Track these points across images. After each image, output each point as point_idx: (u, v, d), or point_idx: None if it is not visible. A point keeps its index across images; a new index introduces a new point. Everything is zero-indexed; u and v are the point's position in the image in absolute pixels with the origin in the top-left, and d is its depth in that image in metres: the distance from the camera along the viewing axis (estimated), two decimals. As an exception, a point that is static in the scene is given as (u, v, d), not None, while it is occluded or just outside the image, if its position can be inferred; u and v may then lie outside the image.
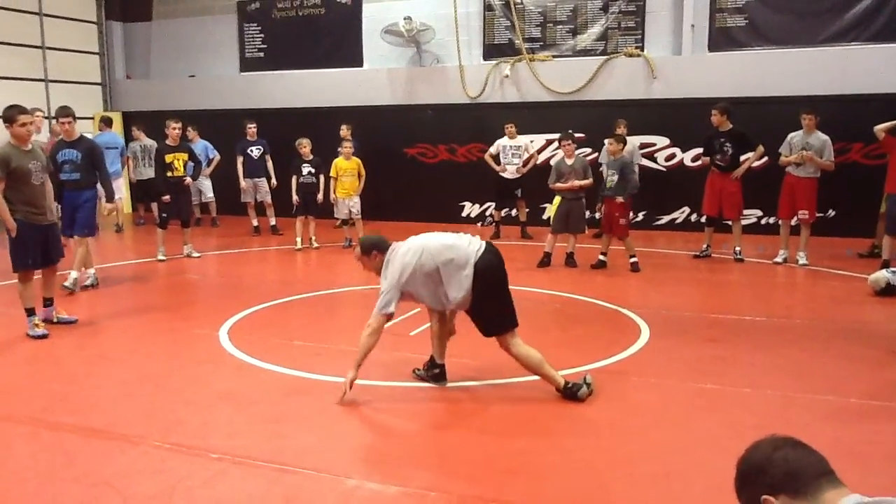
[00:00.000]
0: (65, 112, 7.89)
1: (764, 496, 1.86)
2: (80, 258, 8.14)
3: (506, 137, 11.75)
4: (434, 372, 5.16)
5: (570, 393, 4.79)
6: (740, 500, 1.98)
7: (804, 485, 1.84)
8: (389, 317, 4.85)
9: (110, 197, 8.17)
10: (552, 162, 10.35)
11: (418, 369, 5.27)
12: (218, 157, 13.00)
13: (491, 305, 4.81)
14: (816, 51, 11.57)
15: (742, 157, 9.59)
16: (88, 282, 8.38)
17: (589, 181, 9.35)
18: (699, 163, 10.33)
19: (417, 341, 5.98)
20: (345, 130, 12.51)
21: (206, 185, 13.33)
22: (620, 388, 5.07)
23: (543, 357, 4.84)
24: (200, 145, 13.06)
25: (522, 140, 11.79)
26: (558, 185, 9.35)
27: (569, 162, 9.38)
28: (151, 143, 13.00)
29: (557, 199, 9.52)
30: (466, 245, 4.83)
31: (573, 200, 9.35)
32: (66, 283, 7.94)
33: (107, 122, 12.87)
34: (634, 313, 7.05)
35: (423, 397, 4.99)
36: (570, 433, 4.44)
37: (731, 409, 4.71)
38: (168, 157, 10.05)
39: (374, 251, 4.99)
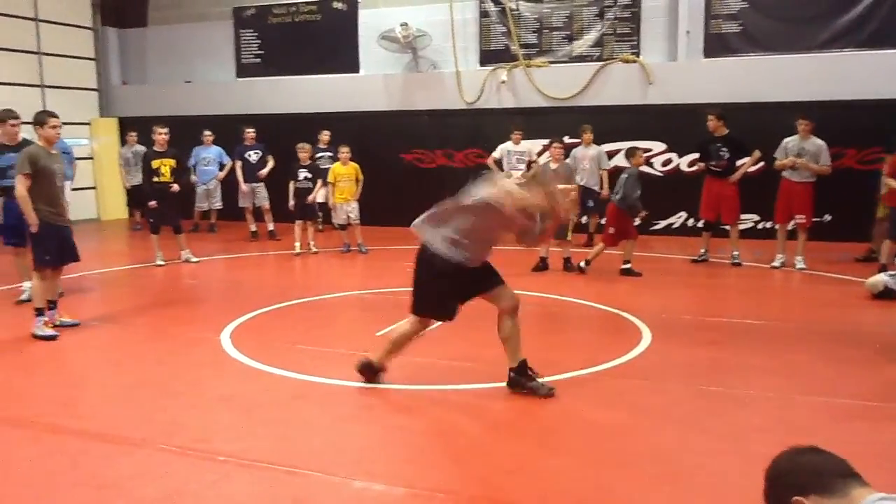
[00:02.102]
0: (11, 114, 7.70)
1: (794, 497, 1.88)
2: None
3: (510, 142, 11.75)
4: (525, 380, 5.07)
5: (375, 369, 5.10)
6: None
7: (833, 484, 1.87)
8: None
9: None
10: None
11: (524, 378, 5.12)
12: (230, 163, 13.01)
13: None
14: (810, 57, 11.66)
15: (738, 162, 9.65)
16: (24, 296, 7.75)
17: (571, 187, 9.31)
18: (695, 168, 10.36)
19: (419, 345, 5.96)
20: (325, 136, 12.52)
21: (217, 193, 13.36)
22: (623, 390, 5.09)
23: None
24: (214, 151, 13.13)
25: (527, 146, 11.76)
26: None
27: (553, 167, 9.36)
28: (142, 149, 13.03)
29: None
30: None
31: None
32: (23, 297, 7.73)
33: None
34: (634, 317, 7.07)
35: (428, 400, 4.99)
36: (575, 435, 4.45)
37: (732, 411, 4.74)
38: (154, 163, 10.04)
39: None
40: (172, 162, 10.16)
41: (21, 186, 6.43)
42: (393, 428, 4.58)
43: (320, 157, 12.14)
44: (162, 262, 9.99)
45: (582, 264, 9.20)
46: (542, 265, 9.39)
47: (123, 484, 3.77)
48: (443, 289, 4.87)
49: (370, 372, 5.13)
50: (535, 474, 3.88)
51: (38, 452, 4.21)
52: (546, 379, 5.14)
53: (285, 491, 3.69)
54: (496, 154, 11.86)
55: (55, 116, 6.72)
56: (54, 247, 6.66)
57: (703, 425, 4.52)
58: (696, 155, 10.32)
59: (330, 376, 5.37)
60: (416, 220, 4.98)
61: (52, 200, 6.61)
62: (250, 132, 12.59)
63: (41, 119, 6.66)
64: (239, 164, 12.54)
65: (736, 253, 9.74)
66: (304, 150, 10.97)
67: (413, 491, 3.68)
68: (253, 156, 12.57)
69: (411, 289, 4.97)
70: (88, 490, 3.72)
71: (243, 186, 12.50)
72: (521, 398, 4.93)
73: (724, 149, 9.59)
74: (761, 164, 9.99)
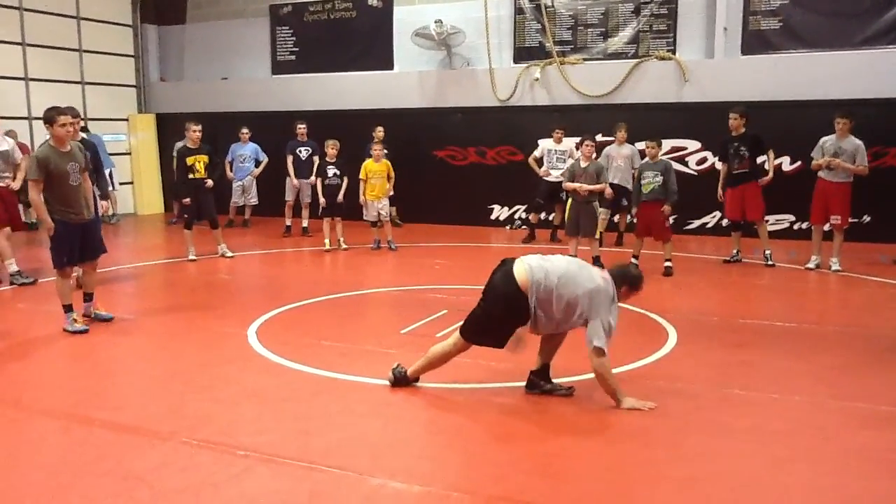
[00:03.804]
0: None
1: None
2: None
3: (551, 141, 11.66)
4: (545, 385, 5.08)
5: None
6: None
7: None
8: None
9: None
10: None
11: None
12: (266, 159, 13.19)
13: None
14: (852, 54, 11.41)
15: (759, 159, 9.58)
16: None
17: (600, 186, 9.26)
18: (721, 169, 10.10)
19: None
20: (380, 133, 12.57)
21: (253, 189, 13.52)
22: (647, 392, 5.03)
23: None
24: (251, 147, 13.31)
25: (568, 144, 11.66)
26: (569, 185, 9.29)
27: (583, 164, 9.26)
28: None
29: (570, 202, 9.45)
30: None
31: (584, 203, 9.23)
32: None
33: None
34: (662, 318, 7.01)
35: (448, 398, 5.00)
36: (595, 437, 4.43)
37: (758, 414, 4.66)
38: (189, 160, 10.16)
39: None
40: (206, 158, 10.27)
41: (33, 192, 6.41)
42: (412, 425, 4.60)
43: None
44: (194, 258, 10.13)
45: (668, 264, 9.17)
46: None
47: (147, 475, 3.84)
48: (512, 327, 4.82)
49: (403, 384, 5.12)
50: (554, 475, 3.87)
51: (67, 443, 4.32)
52: (569, 379, 5.14)
53: (303, 486, 3.73)
54: (537, 153, 11.81)
55: (64, 114, 6.49)
56: (73, 246, 6.64)
57: (727, 428, 4.46)
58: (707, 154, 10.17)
59: (353, 373, 5.41)
60: (536, 264, 4.77)
61: (67, 201, 6.52)
62: (302, 127, 12.67)
63: (49, 117, 6.44)
64: (290, 158, 12.64)
65: (768, 252, 9.57)
66: (332, 147, 11.00)
67: (429, 489, 3.70)
68: (304, 152, 12.66)
69: (478, 318, 4.87)
70: (114, 480, 3.80)
71: (294, 181, 12.60)
72: (543, 398, 4.93)
73: (742, 148, 9.45)
74: (798, 163, 9.82)
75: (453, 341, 4.97)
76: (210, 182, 10.28)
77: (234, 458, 4.03)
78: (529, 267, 4.72)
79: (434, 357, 5.04)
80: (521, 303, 4.67)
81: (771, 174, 9.52)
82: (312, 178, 12.31)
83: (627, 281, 4.90)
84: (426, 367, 5.07)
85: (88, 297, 6.99)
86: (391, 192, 12.59)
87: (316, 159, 12.44)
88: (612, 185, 10.44)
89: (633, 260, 9.21)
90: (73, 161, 6.57)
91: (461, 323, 4.99)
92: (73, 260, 6.75)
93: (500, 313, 4.78)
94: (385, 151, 12.26)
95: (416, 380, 5.13)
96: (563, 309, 4.67)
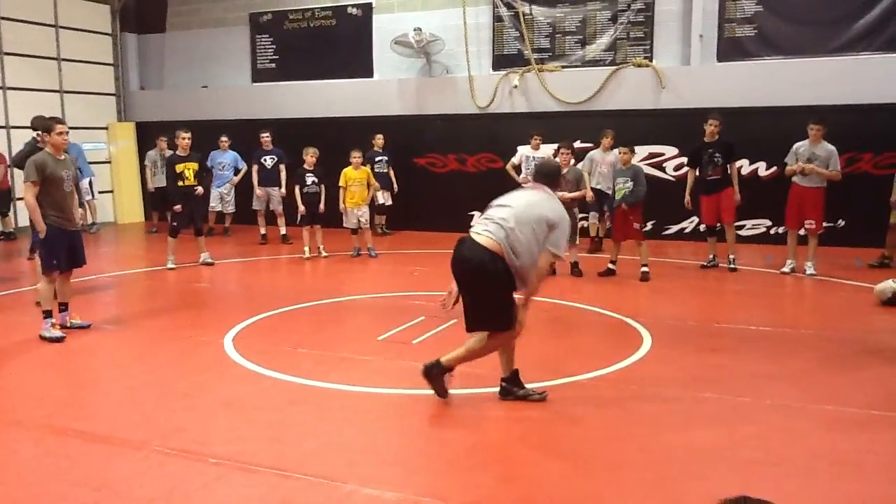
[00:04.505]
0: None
1: None
2: None
3: (529, 147, 11.71)
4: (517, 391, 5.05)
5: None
6: None
7: None
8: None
9: None
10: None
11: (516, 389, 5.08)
12: (245, 167, 13.16)
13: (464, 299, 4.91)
14: (826, 60, 11.55)
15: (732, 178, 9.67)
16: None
17: (580, 193, 9.32)
18: (687, 175, 10.15)
19: (421, 350, 6.02)
20: (379, 140, 12.73)
21: (230, 197, 13.48)
22: (620, 397, 5.09)
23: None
24: (230, 156, 13.27)
25: (545, 151, 11.69)
26: None
27: (562, 171, 9.32)
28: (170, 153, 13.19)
29: None
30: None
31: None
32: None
33: None
34: (637, 322, 7.06)
35: (422, 405, 5.01)
36: (567, 440, 4.46)
37: (729, 418, 4.72)
38: (179, 167, 10.15)
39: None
40: (195, 165, 10.32)
41: (29, 194, 6.54)
42: (387, 432, 4.61)
43: (378, 162, 12.27)
44: (173, 266, 10.08)
45: (644, 269, 9.22)
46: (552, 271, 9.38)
47: (119, 485, 3.84)
48: (506, 294, 4.83)
49: (437, 371, 4.95)
50: (527, 481, 3.90)
51: (39, 453, 4.30)
52: (544, 384, 5.18)
53: (275, 493, 3.74)
54: (515, 160, 11.83)
55: (62, 122, 6.80)
56: (63, 251, 6.75)
57: (697, 432, 4.51)
58: (685, 160, 10.21)
59: (329, 380, 5.43)
60: (493, 227, 4.84)
61: (60, 206, 6.70)
62: (265, 136, 12.68)
63: (47, 125, 6.75)
64: (255, 167, 12.66)
65: (732, 257, 9.71)
66: (311, 155, 10.95)
67: (402, 495, 3.71)
68: (269, 160, 12.65)
69: (472, 305, 4.84)
70: (86, 490, 3.79)
71: (258, 190, 12.61)
72: (517, 404, 4.95)
73: (717, 155, 9.55)
74: (773, 168, 9.92)
75: (478, 336, 4.91)
76: (200, 189, 10.37)
77: (207, 466, 4.04)
78: (487, 231, 4.81)
79: (467, 351, 4.95)
80: (502, 266, 4.70)
81: (737, 190, 9.64)
82: (283, 188, 12.38)
83: (554, 178, 5.30)
84: (462, 358, 4.95)
85: (64, 308, 7.00)
86: (390, 202, 12.72)
87: (283, 167, 12.48)
88: (594, 189, 10.52)
89: (610, 265, 9.32)
90: (66, 169, 6.76)
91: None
92: (63, 266, 6.82)
93: (485, 282, 4.76)
94: (385, 158, 12.55)
95: (452, 369, 4.96)
96: (541, 240, 4.78)
